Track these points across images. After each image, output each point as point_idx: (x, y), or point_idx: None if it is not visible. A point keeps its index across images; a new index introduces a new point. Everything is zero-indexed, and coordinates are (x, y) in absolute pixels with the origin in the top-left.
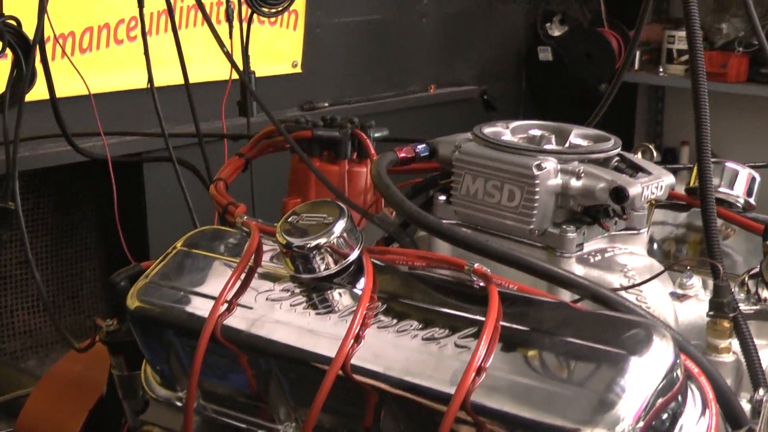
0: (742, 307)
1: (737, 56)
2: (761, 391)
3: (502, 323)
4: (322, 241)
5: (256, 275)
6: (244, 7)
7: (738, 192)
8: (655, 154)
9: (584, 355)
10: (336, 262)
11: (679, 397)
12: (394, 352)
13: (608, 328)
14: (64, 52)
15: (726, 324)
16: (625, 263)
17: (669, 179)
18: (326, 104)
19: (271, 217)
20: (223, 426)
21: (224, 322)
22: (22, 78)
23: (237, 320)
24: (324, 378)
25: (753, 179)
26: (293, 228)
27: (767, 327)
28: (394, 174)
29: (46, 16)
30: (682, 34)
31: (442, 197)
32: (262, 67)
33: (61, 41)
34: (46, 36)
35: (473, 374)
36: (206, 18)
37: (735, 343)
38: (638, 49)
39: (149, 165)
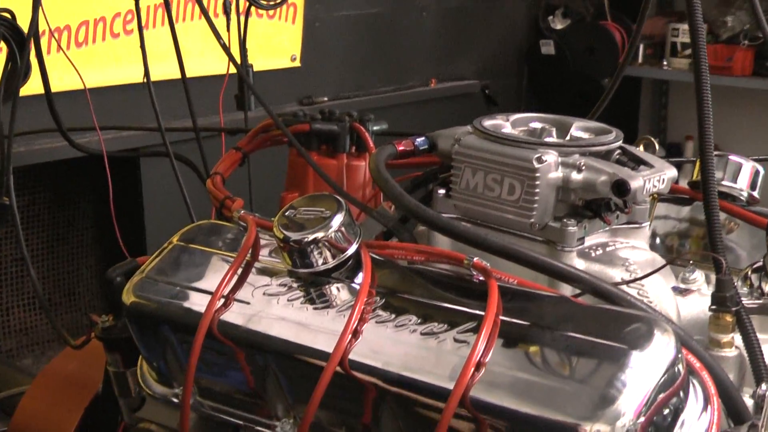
0: (745, 301)
1: (742, 49)
2: (764, 386)
3: (501, 318)
4: (319, 235)
5: (253, 270)
6: (242, 0)
7: (741, 185)
8: (657, 147)
9: (585, 349)
10: (334, 257)
11: (681, 393)
12: (393, 347)
13: (609, 322)
14: (59, 46)
15: (728, 318)
16: (627, 257)
17: (671, 172)
18: (325, 99)
19: (270, 212)
20: (220, 423)
21: (221, 318)
22: (16, 71)
23: (234, 315)
24: (322, 373)
25: (757, 172)
26: (290, 222)
27: None
28: (394, 168)
29: (40, 9)
30: (687, 27)
31: (442, 191)
32: (260, 61)
33: (56, 35)
34: (41, 30)
35: (472, 369)
36: (203, 10)
37: (738, 338)
38: (642, 42)
39: (146, 160)
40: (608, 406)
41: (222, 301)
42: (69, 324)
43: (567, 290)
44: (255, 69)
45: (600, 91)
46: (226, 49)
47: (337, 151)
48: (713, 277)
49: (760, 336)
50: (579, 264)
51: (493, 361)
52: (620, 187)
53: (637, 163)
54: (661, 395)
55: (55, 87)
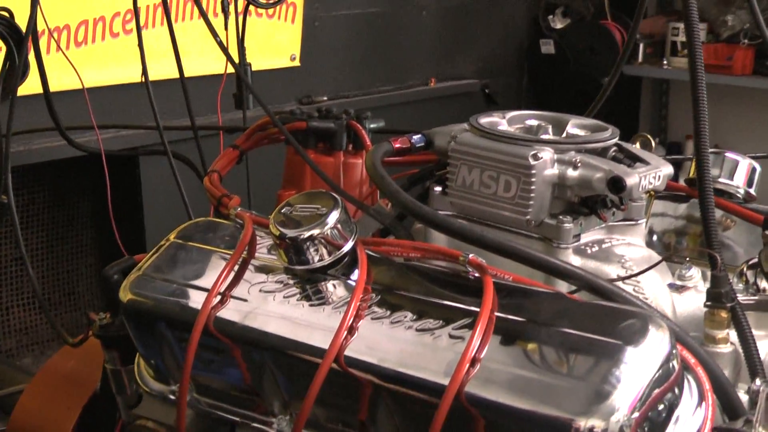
0: (741, 297)
1: (743, 48)
2: (758, 381)
3: (497, 314)
4: (315, 232)
5: (249, 267)
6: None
7: (738, 182)
8: (653, 144)
9: (580, 345)
10: (330, 254)
11: (676, 388)
12: (388, 343)
13: (604, 318)
14: (58, 46)
15: (724, 314)
16: (623, 254)
17: (667, 169)
18: (325, 98)
19: (268, 210)
20: (217, 419)
21: (217, 314)
22: (14, 70)
23: (230, 312)
24: (317, 370)
25: (753, 170)
26: (287, 219)
27: (766, 318)
28: (391, 166)
29: (39, 8)
30: None
31: (438, 188)
32: (260, 61)
33: (56, 35)
34: (41, 29)
35: (467, 365)
36: (200, 8)
37: (733, 334)
38: (642, 41)
39: (146, 160)
40: (603, 402)
41: (218, 298)
42: (69, 323)
43: (563, 287)
44: (254, 69)
45: (600, 90)
46: (223, 47)
47: (334, 148)
48: (710, 273)
49: (756, 332)
50: (575, 261)
51: (488, 357)
52: (616, 184)
53: (633, 160)
54: (656, 391)
55: (55, 86)
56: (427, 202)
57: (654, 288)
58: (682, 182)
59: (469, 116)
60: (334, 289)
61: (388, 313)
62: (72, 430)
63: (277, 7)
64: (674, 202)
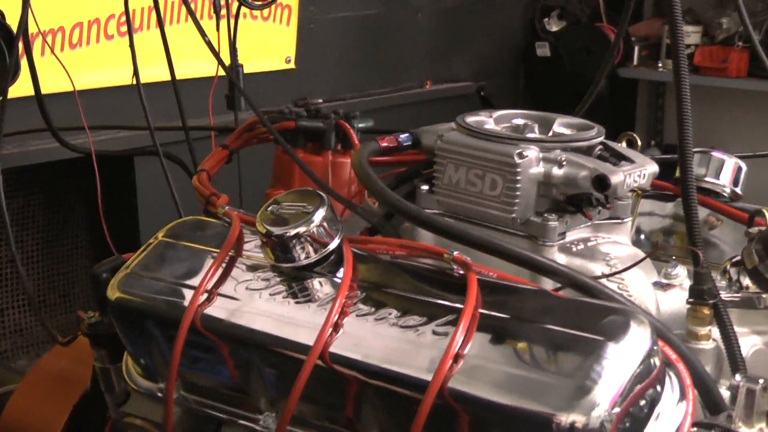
0: (724, 295)
1: (737, 51)
2: (738, 377)
3: (480, 311)
4: (301, 229)
5: (237, 265)
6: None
7: (724, 181)
8: (639, 142)
9: (562, 341)
10: (316, 251)
11: (657, 384)
12: (373, 340)
13: (586, 314)
14: (52, 49)
15: (706, 311)
16: (608, 252)
17: (652, 167)
18: (320, 100)
19: (259, 209)
20: (204, 417)
21: (204, 312)
22: (5, 70)
23: (216, 310)
24: (302, 366)
25: (739, 169)
26: (273, 217)
27: (749, 315)
28: (381, 165)
29: (30, 10)
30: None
31: (425, 187)
32: (255, 63)
33: (50, 37)
34: (34, 31)
35: (450, 361)
36: (188, 9)
37: (715, 331)
38: (638, 44)
39: (140, 162)
40: (583, 397)
41: (205, 295)
42: (64, 325)
43: (549, 284)
44: (250, 71)
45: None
46: (211, 47)
47: (323, 148)
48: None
49: (738, 329)
50: (560, 258)
51: (471, 353)
52: (601, 182)
53: (618, 158)
54: (637, 386)
55: (51, 88)
56: (414, 201)
57: (638, 285)
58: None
59: None
60: (320, 286)
61: (373, 310)
62: (62, 428)
63: (272, 10)
64: (662, 201)
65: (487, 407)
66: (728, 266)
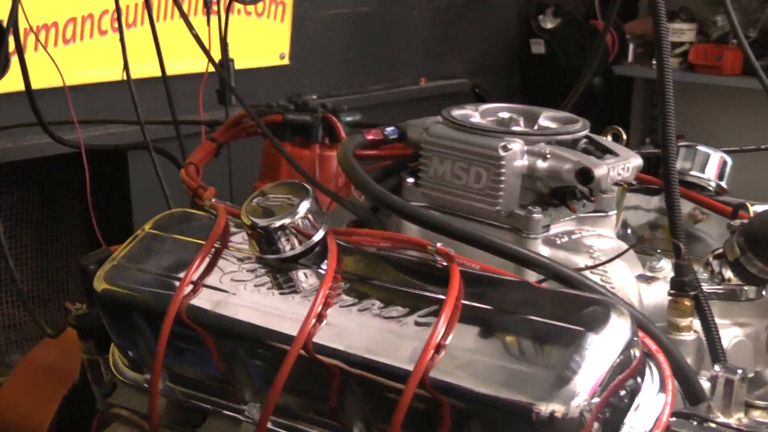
0: (706, 287)
1: (732, 49)
2: (716, 367)
3: (463, 302)
4: (286, 221)
5: (222, 256)
6: None
7: (709, 175)
8: (624, 136)
9: (542, 332)
10: (301, 243)
11: (638, 374)
12: (356, 330)
13: (567, 305)
14: (45, 46)
15: (687, 303)
16: (592, 245)
17: (636, 161)
18: (314, 97)
19: None
20: (190, 408)
21: (189, 303)
22: None
23: (202, 301)
24: (286, 356)
25: (725, 163)
26: (259, 209)
27: (731, 307)
28: (369, 159)
29: (20, 4)
30: (677, 26)
31: (411, 180)
32: (248, 59)
33: (44, 32)
34: (25, 27)
35: (432, 351)
36: (177, 4)
37: (697, 323)
38: (633, 42)
39: (134, 157)
40: (563, 387)
41: (191, 287)
42: (59, 320)
43: (532, 276)
44: (244, 67)
45: (590, 90)
46: (198, 40)
47: (310, 141)
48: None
49: (720, 321)
50: (544, 251)
51: (453, 343)
52: (584, 175)
53: (602, 151)
54: (617, 377)
55: (46, 83)
56: (401, 194)
57: (621, 278)
58: None
59: None
60: (305, 277)
61: (357, 301)
62: (52, 420)
63: (266, 6)
64: (647, 196)
65: (467, 397)
66: (710, 259)
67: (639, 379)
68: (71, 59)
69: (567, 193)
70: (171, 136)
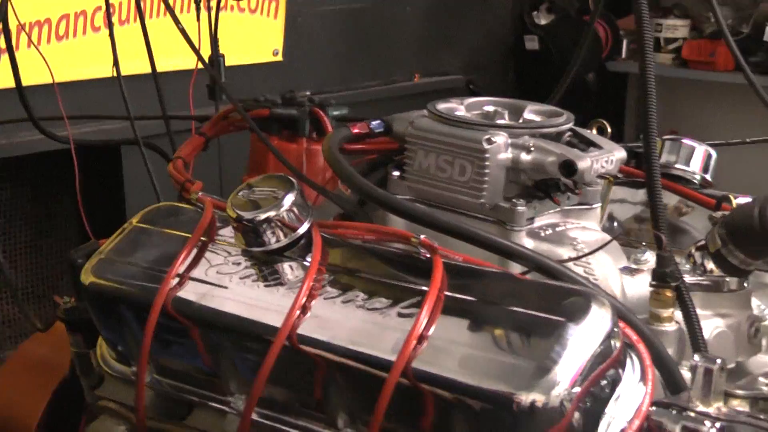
0: (688, 278)
1: (725, 45)
2: (696, 356)
3: (445, 293)
4: (271, 214)
5: (208, 249)
6: None
7: (694, 168)
8: (609, 129)
9: (524, 322)
10: (286, 236)
11: (618, 365)
12: (340, 322)
13: (549, 296)
14: (38, 42)
15: (668, 293)
16: (576, 237)
17: (620, 153)
18: (308, 93)
19: None
20: (177, 400)
21: (175, 295)
22: None
23: (188, 293)
24: (270, 348)
25: (709, 156)
26: (244, 202)
27: (712, 298)
28: (355, 153)
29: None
30: (671, 22)
31: (396, 173)
32: (242, 55)
33: (37, 29)
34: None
35: (415, 342)
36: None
37: (678, 314)
38: (626, 38)
39: (128, 153)
40: (544, 377)
41: (177, 279)
42: (52, 316)
43: (516, 268)
44: (237, 63)
45: (584, 86)
46: (185, 34)
47: (297, 135)
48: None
49: (702, 312)
50: (528, 243)
51: (435, 334)
52: (568, 168)
53: (587, 144)
54: (598, 366)
55: (38, 80)
56: (386, 187)
57: (604, 269)
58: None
59: None
60: (290, 270)
61: (341, 292)
62: (42, 414)
63: (260, 2)
64: (633, 189)
65: (449, 387)
66: (693, 250)
67: (620, 369)
68: (64, 56)
69: (551, 185)
70: (163, 132)
